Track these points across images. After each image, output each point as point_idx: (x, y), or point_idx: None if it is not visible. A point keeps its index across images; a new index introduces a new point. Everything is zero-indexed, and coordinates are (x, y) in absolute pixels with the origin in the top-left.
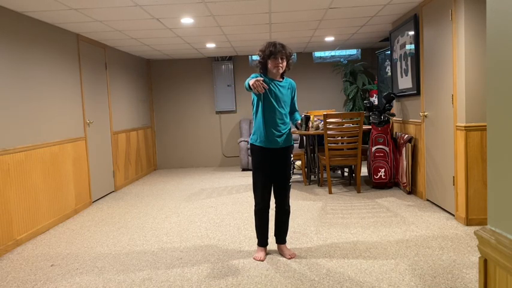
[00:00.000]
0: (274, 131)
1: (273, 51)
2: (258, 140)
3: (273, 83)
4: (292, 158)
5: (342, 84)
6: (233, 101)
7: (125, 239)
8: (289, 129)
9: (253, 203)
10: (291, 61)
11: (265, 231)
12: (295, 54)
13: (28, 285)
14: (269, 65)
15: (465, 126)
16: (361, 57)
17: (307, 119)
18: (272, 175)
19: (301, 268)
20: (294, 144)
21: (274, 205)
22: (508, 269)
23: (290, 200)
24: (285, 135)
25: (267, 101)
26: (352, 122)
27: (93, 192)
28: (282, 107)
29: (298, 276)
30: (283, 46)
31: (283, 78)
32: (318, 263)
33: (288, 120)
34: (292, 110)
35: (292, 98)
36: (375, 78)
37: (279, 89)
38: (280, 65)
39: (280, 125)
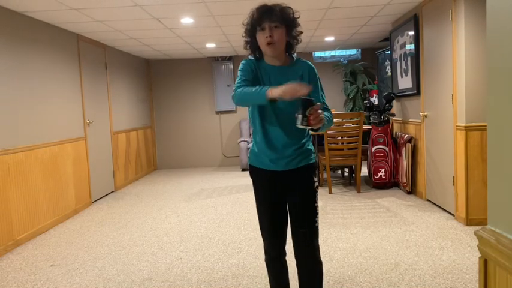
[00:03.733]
0: (280, 144)
1: (256, 19)
2: (256, 159)
3: (274, 71)
4: (316, 183)
5: (342, 84)
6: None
7: (125, 239)
8: (307, 140)
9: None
10: (296, 28)
11: None
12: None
13: (28, 285)
14: (259, 43)
15: (465, 126)
16: (361, 57)
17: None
18: (283, 210)
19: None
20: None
21: (295, 260)
22: (508, 269)
23: None
24: (298, 150)
25: None
26: (352, 122)
27: (93, 192)
28: (289, 106)
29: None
30: (272, 7)
31: (291, 60)
32: None
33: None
34: None
35: (312, 92)
36: (375, 78)
37: (282, 77)
38: (270, 37)
39: (289, 134)
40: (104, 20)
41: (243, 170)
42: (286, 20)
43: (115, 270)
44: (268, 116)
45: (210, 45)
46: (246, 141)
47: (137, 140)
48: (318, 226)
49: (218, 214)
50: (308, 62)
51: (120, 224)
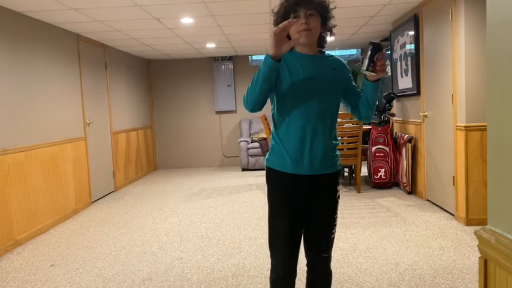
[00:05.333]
0: (306, 144)
1: (292, 5)
2: (276, 160)
3: (306, 59)
4: (339, 192)
5: None
6: (233, 101)
7: (125, 239)
8: (336, 144)
9: (268, 251)
10: (330, 20)
11: None
12: None
13: (28, 285)
14: (290, 32)
15: (465, 126)
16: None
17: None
18: (301, 221)
19: (301, 268)
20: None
21: (306, 266)
22: (508, 269)
23: None
24: (326, 153)
25: (291, 89)
26: (352, 122)
27: (93, 192)
28: (322, 99)
29: (298, 276)
30: None
31: (322, 53)
32: None
33: (334, 125)
34: (357, 101)
35: (348, 85)
36: None
37: (315, 66)
38: (306, 24)
39: (318, 133)
40: (104, 20)
41: (243, 170)
42: (322, 9)
43: (115, 270)
44: (296, 109)
45: (210, 45)
46: (246, 141)
47: (137, 140)
48: (334, 237)
49: (218, 214)
50: (339, 58)
51: (120, 224)
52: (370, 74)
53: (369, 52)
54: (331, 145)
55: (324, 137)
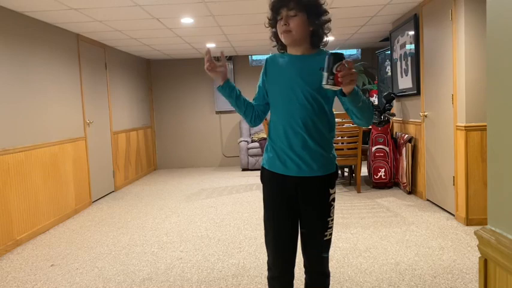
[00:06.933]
0: (295, 145)
1: (273, 8)
2: (268, 160)
3: (293, 60)
4: (333, 195)
5: None
6: None
7: (125, 239)
8: (330, 146)
9: (263, 237)
10: (321, 16)
11: None
12: None
13: (28, 285)
14: (278, 34)
15: (465, 126)
16: (361, 57)
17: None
18: (293, 223)
19: (301, 268)
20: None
21: (303, 267)
22: (508, 269)
23: None
24: (316, 155)
25: (278, 90)
26: (352, 122)
27: (93, 192)
28: (305, 100)
29: (298, 276)
30: None
31: (316, 51)
32: None
33: (328, 125)
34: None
35: None
36: (375, 78)
37: (303, 67)
38: (286, 25)
39: (301, 134)
40: (104, 20)
41: (243, 170)
42: (306, 7)
43: (115, 270)
44: (280, 111)
45: (210, 45)
46: (246, 141)
47: (137, 140)
48: (329, 239)
49: (218, 214)
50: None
51: (120, 224)
52: (335, 88)
53: (326, 63)
54: (321, 147)
55: (311, 138)
